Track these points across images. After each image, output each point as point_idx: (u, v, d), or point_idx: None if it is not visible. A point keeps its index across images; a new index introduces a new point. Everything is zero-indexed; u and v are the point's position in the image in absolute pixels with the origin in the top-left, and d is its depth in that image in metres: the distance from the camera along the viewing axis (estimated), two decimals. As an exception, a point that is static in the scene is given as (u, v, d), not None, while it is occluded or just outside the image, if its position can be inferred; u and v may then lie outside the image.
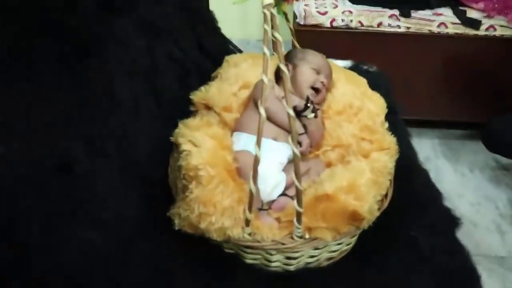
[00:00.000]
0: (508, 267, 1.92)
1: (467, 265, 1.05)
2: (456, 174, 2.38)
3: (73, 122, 0.86)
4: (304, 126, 1.14)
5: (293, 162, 0.87)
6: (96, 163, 0.92)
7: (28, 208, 0.80)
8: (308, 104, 1.16)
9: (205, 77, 1.38)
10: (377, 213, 0.92)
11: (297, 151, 0.77)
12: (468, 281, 1.03)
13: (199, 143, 0.88)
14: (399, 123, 1.43)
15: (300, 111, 1.15)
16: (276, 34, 0.80)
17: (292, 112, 0.76)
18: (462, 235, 1.20)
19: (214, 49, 1.57)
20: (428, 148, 2.52)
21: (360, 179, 0.91)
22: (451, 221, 1.19)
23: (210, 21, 1.63)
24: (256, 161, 0.77)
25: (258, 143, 0.77)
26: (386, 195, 0.98)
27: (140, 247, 0.92)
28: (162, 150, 1.08)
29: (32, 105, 0.82)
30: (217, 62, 1.46)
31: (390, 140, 1.08)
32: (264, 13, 0.84)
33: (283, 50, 0.84)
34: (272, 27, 0.83)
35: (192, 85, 1.32)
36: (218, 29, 1.71)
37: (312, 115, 1.17)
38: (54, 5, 0.86)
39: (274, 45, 0.84)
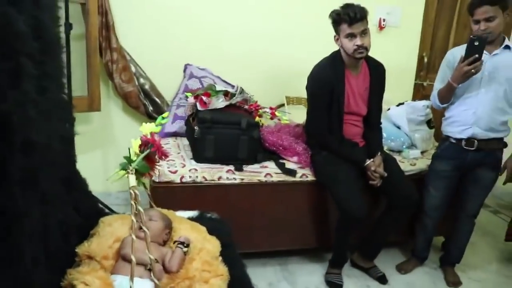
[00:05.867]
0: None
1: None
2: (296, 292, 2.76)
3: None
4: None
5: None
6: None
7: None
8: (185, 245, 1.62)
9: (82, 234, 1.74)
10: (215, 320, 1.35)
11: (157, 282, 1.20)
12: None
13: (90, 283, 1.26)
14: (235, 256, 1.86)
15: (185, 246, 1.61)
16: (139, 207, 1.25)
17: (153, 257, 1.20)
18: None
19: (88, 211, 1.92)
20: (271, 275, 2.92)
21: (202, 298, 1.35)
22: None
23: (84, 188, 1.99)
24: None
25: (132, 278, 1.18)
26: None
27: None
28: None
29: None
30: (91, 221, 1.82)
31: (223, 269, 1.55)
32: (130, 192, 1.30)
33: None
34: (136, 201, 1.28)
35: (72, 241, 1.67)
36: (90, 192, 2.07)
37: (186, 249, 1.61)
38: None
39: (138, 214, 1.28)
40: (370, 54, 2.73)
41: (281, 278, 2.92)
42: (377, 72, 2.81)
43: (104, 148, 3.65)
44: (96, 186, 2.06)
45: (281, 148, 2.92)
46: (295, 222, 2.92)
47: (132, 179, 1.34)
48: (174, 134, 3.24)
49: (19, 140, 1.30)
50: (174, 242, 1.63)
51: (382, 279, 2.91)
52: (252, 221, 2.83)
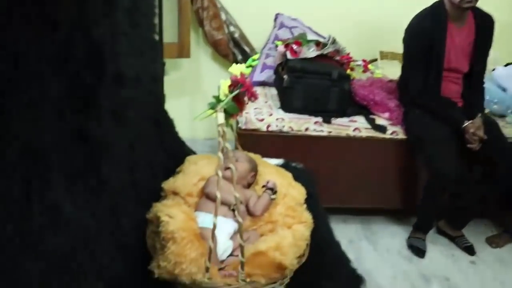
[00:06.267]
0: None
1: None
2: (376, 253, 2.69)
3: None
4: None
5: (238, 232, 1.28)
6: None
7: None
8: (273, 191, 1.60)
9: (167, 172, 1.76)
10: (297, 266, 1.31)
11: (240, 219, 1.17)
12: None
13: (174, 215, 1.26)
14: (318, 207, 1.81)
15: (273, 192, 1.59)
16: (227, 145, 1.21)
17: (237, 194, 1.17)
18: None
19: (174, 150, 1.95)
20: (352, 232, 2.84)
21: (284, 241, 1.31)
22: (356, 279, 1.58)
23: (171, 128, 2.01)
24: (214, 226, 1.16)
25: (215, 214, 1.16)
26: (303, 254, 1.38)
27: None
28: (140, 224, 1.44)
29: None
30: (176, 160, 1.84)
31: (307, 216, 1.50)
32: (218, 130, 1.26)
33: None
34: (224, 139, 1.25)
35: (158, 177, 1.69)
36: (177, 133, 2.10)
37: (274, 196, 1.60)
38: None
39: (225, 152, 1.25)
40: (479, 5, 2.50)
41: (362, 236, 2.84)
42: (484, 25, 2.57)
43: (191, 95, 3.69)
44: (183, 133, 2.08)
45: (372, 103, 2.79)
46: (381, 181, 2.81)
47: (221, 117, 1.30)
48: (262, 84, 3.18)
49: (110, 71, 1.30)
50: (263, 186, 1.60)
51: (470, 250, 2.74)
52: (336, 175, 2.75)
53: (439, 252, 2.74)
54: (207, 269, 1.21)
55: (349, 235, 2.81)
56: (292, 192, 1.60)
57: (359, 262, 2.59)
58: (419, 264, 2.63)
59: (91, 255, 1.17)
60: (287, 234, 1.35)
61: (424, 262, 2.65)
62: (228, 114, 1.54)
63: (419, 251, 2.69)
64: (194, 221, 1.32)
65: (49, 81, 1.01)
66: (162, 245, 1.24)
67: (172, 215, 1.26)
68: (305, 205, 1.60)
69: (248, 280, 1.24)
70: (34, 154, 0.99)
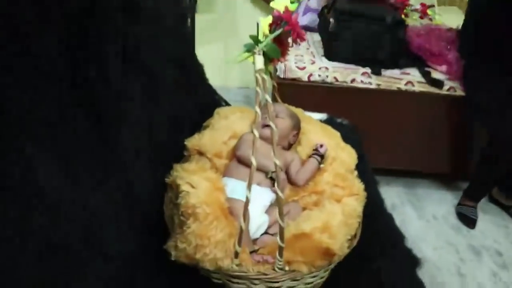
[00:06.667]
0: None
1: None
2: (421, 220, 2.48)
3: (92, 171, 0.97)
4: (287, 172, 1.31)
5: (275, 204, 1.02)
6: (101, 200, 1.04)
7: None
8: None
9: (195, 126, 1.52)
10: (347, 250, 1.06)
11: (281, 195, 0.92)
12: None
13: (196, 184, 1.02)
14: (368, 172, 1.56)
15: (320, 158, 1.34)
16: (267, 96, 0.95)
17: (278, 162, 0.91)
18: (425, 276, 1.32)
19: (204, 100, 1.70)
20: (394, 196, 2.64)
21: (333, 220, 1.05)
22: (412, 260, 1.33)
23: (200, 75, 1.76)
24: (247, 202, 0.91)
25: (249, 187, 0.91)
26: (355, 235, 1.13)
27: (138, 279, 1.04)
28: (158, 189, 1.20)
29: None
30: (206, 113, 1.59)
31: (359, 187, 1.24)
32: (256, 77, 1.00)
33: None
34: (263, 88, 0.98)
35: (183, 133, 1.45)
36: (207, 81, 1.85)
37: (322, 165, 1.35)
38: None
39: (264, 106, 0.98)
40: None
41: (405, 201, 2.63)
42: None
43: (226, 40, 3.47)
44: (214, 80, 1.87)
45: (428, 53, 2.47)
46: (431, 141, 2.56)
47: (260, 61, 1.03)
48: (304, 28, 2.88)
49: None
50: (314, 150, 1.34)
51: (526, 223, 2.48)
52: (383, 133, 2.51)
53: (491, 222, 2.52)
54: (236, 255, 0.96)
55: (392, 199, 2.60)
56: (342, 155, 1.33)
57: (402, 229, 2.38)
58: (468, 235, 2.41)
59: (97, 243, 0.94)
60: (336, 210, 1.09)
61: (474, 233, 2.44)
62: (268, 58, 1.25)
63: (469, 221, 2.46)
64: (222, 192, 1.07)
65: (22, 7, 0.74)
66: (181, 221, 1.00)
67: (194, 184, 1.02)
68: (356, 172, 1.33)
69: (287, 268, 1.00)
70: (7, 116, 0.73)
